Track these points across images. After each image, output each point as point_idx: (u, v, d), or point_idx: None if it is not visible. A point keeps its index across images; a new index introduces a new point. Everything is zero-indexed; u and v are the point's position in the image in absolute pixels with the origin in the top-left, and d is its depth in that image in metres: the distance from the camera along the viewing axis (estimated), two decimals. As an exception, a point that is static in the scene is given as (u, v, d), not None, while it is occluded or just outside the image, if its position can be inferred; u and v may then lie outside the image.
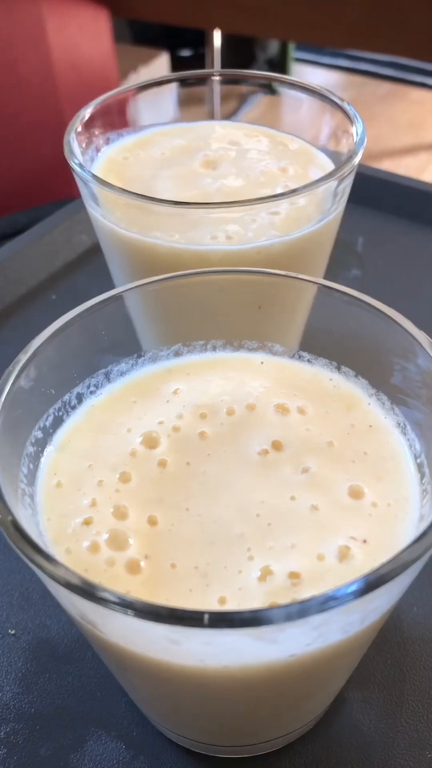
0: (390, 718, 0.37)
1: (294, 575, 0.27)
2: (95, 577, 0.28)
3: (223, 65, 2.86)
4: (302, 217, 0.42)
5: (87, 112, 0.47)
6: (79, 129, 0.46)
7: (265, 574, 0.27)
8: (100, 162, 0.48)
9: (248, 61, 3.19)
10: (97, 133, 0.48)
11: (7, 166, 1.60)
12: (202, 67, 2.85)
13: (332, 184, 0.41)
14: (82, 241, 0.67)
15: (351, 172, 0.43)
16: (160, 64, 2.66)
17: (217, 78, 0.52)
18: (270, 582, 0.27)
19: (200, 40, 3.04)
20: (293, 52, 3.05)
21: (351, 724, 0.37)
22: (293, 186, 0.46)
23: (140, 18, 2.48)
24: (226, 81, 0.54)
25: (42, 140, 1.85)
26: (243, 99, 3.02)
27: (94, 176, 0.41)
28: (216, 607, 0.27)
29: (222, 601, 0.27)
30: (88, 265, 0.66)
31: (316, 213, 0.43)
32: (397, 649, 0.40)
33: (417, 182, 0.69)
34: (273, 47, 3.12)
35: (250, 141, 0.50)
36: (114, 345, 0.35)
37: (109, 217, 0.43)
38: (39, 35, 1.87)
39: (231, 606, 0.27)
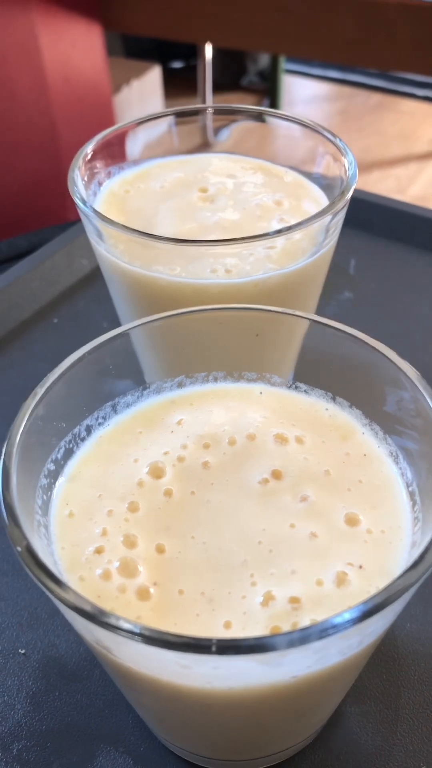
0: (386, 732, 0.39)
1: (294, 600, 0.29)
2: (107, 603, 0.29)
3: (215, 77, 2.89)
4: (297, 251, 0.44)
5: (89, 148, 0.49)
6: (82, 165, 0.47)
7: (268, 599, 0.29)
8: (102, 195, 0.50)
9: (240, 73, 3.23)
10: (98, 167, 0.50)
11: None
12: (194, 79, 2.88)
13: (326, 219, 0.43)
14: (82, 265, 0.69)
15: (344, 206, 0.45)
16: (153, 77, 2.69)
17: (211, 112, 0.54)
18: (272, 607, 0.29)
19: (192, 52, 3.08)
20: (284, 64, 3.08)
21: (348, 737, 0.39)
22: (288, 218, 0.48)
23: (132, 32, 2.51)
24: (219, 112, 0.56)
25: (35, 154, 1.87)
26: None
27: (97, 213, 0.43)
28: (222, 631, 0.28)
29: (227, 625, 0.29)
30: (89, 289, 0.68)
31: (310, 246, 0.45)
32: (392, 664, 0.42)
33: (407, 205, 0.71)
34: (264, 59, 3.15)
35: (246, 174, 0.52)
36: (120, 378, 0.37)
37: (112, 251, 0.45)
38: (33, 50, 1.89)
39: (236, 630, 0.28)
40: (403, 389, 0.33)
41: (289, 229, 0.42)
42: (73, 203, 0.44)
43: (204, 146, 0.58)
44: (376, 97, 3.20)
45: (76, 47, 2.11)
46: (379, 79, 3.24)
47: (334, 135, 0.48)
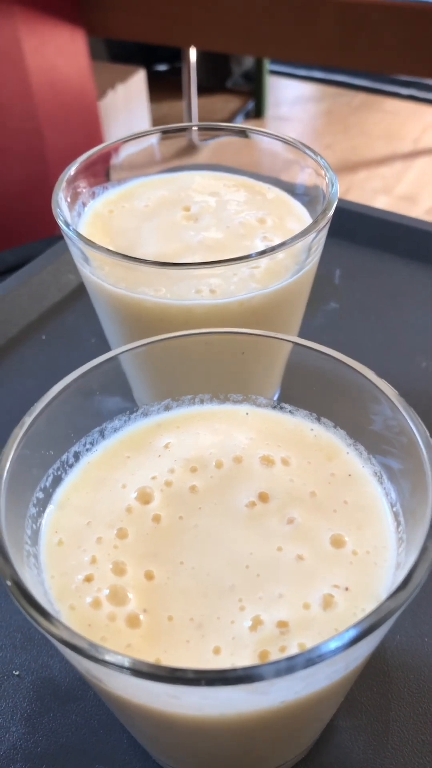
0: (377, 744, 0.40)
1: (282, 624, 0.29)
2: (98, 632, 0.30)
3: (200, 79, 2.90)
4: (281, 270, 0.45)
5: (72, 170, 0.49)
6: (65, 186, 0.48)
7: (256, 623, 0.30)
8: (86, 216, 0.50)
9: (225, 75, 3.23)
10: (82, 187, 0.51)
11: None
12: (179, 81, 2.88)
13: (308, 237, 0.44)
14: (69, 280, 0.69)
15: (326, 224, 0.45)
16: (138, 81, 2.69)
17: (195, 129, 0.55)
18: (260, 631, 0.29)
19: (176, 56, 3.08)
20: (268, 65, 3.09)
21: (341, 751, 0.40)
22: (271, 236, 0.48)
23: (116, 37, 2.51)
24: (204, 129, 0.56)
25: (22, 161, 1.87)
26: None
27: (81, 236, 0.43)
28: (211, 656, 0.29)
29: (217, 650, 0.29)
30: (76, 304, 0.68)
31: (294, 264, 0.45)
32: (382, 677, 0.42)
33: (391, 214, 0.72)
34: (249, 61, 3.16)
35: (229, 191, 0.52)
36: (107, 403, 0.37)
37: (97, 274, 0.45)
38: (17, 57, 1.89)
39: (225, 655, 0.29)
40: (384, 409, 0.34)
41: (272, 250, 0.42)
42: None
43: (190, 149, 0.58)
44: (360, 97, 3.21)
45: (60, 53, 2.11)
46: (363, 78, 3.25)
47: (315, 153, 0.49)
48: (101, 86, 2.50)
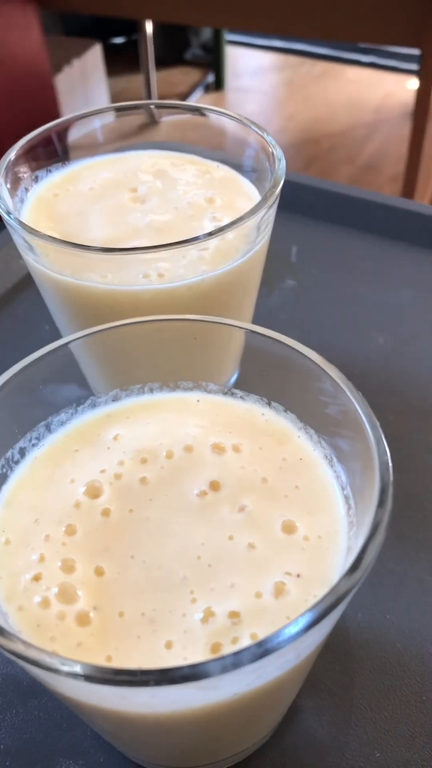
0: (341, 723, 0.40)
1: (234, 614, 0.29)
2: (47, 632, 0.29)
3: (158, 52, 2.84)
4: (230, 250, 0.44)
5: (12, 154, 0.47)
6: (5, 172, 0.46)
7: (208, 615, 0.29)
8: (30, 202, 0.49)
9: (183, 47, 3.18)
10: (23, 172, 0.49)
11: None
12: (136, 54, 2.82)
13: (257, 216, 0.43)
14: (20, 266, 0.67)
15: (274, 202, 0.44)
16: (94, 55, 2.63)
17: (153, 107, 0.53)
18: (212, 623, 0.29)
19: (133, 28, 3.01)
20: (226, 35, 3.04)
21: (305, 731, 0.40)
22: (221, 216, 0.47)
23: (69, 10, 2.45)
24: (161, 107, 0.55)
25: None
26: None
27: (23, 224, 0.42)
28: (163, 651, 0.28)
29: (169, 645, 0.29)
30: (29, 291, 0.67)
31: (244, 244, 0.44)
32: (345, 656, 0.42)
33: (347, 188, 0.71)
34: (207, 32, 3.11)
35: (177, 171, 0.51)
36: (53, 396, 0.37)
37: (42, 261, 0.44)
38: (-35, 36, 1.83)
39: (177, 649, 0.28)
40: (331, 391, 0.33)
41: (221, 230, 0.41)
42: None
43: (139, 127, 0.56)
44: (321, 66, 3.18)
45: (10, 28, 2.05)
46: (323, 47, 3.22)
47: (262, 129, 0.48)
48: (57, 61, 2.44)
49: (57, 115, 2.23)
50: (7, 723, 0.40)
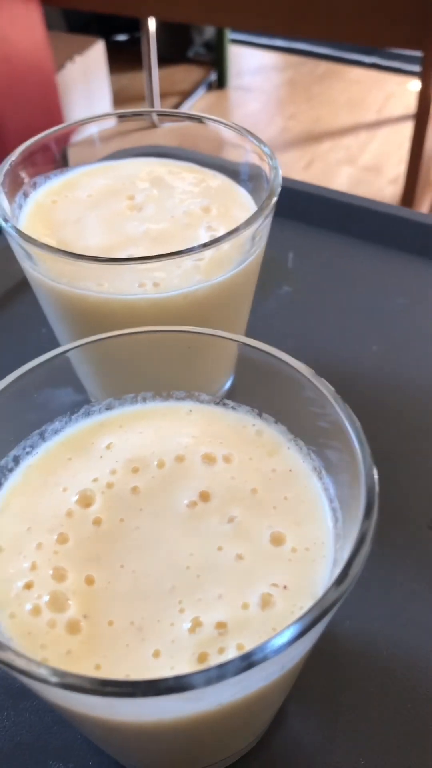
0: (327, 730, 0.41)
1: (221, 625, 0.30)
2: (38, 640, 0.30)
3: (160, 50, 2.84)
4: (225, 260, 0.44)
5: (11, 161, 0.48)
6: (4, 178, 0.47)
7: (195, 625, 0.30)
8: (28, 208, 0.49)
9: (185, 45, 3.17)
10: (23, 178, 0.49)
11: None
12: (139, 52, 2.82)
13: (252, 228, 0.43)
14: (18, 269, 0.68)
15: (269, 213, 0.45)
16: (96, 52, 2.63)
17: (155, 115, 0.54)
18: (199, 633, 0.29)
19: (135, 25, 3.01)
20: (229, 34, 3.04)
21: (291, 737, 0.40)
22: (216, 226, 0.48)
23: (72, 7, 2.45)
24: (161, 115, 0.55)
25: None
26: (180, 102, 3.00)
27: (20, 232, 0.42)
28: (150, 660, 0.29)
29: (156, 654, 0.29)
30: (26, 294, 0.67)
31: (238, 254, 0.45)
32: (332, 662, 0.43)
33: (342, 194, 0.72)
34: (210, 30, 3.10)
35: (174, 179, 0.51)
36: (47, 404, 0.37)
37: (38, 269, 0.44)
38: (-32, 32, 1.83)
39: (164, 659, 0.29)
40: (321, 405, 0.34)
41: (216, 242, 0.42)
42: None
43: (136, 133, 0.56)
44: (323, 66, 3.18)
45: (13, 24, 2.05)
46: (326, 47, 3.22)
47: (258, 139, 0.48)
48: (59, 58, 2.44)
49: (59, 112, 2.24)
50: (-1, 725, 0.41)
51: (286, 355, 0.34)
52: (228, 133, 0.51)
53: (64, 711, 0.30)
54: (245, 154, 0.50)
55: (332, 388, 0.33)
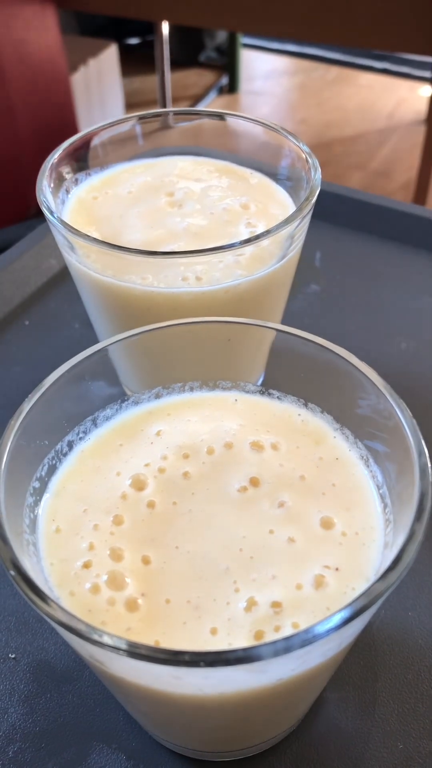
0: (365, 715, 0.41)
1: (276, 604, 0.31)
2: (98, 617, 0.31)
3: (173, 53, 2.86)
4: (265, 256, 0.45)
5: (56, 155, 0.49)
6: (49, 174, 0.48)
7: (251, 604, 0.31)
8: (70, 203, 0.50)
9: (197, 49, 3.19)
10: (65, 174, 0.51)
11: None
12: (152, 55, 2.84)
13: (293, 224, 0.44)
14: (51, 265, 0.69)
15: (309, 211, 0.46)
16: (110, 55, 2.65)
17: (172, 115, 0.55)
18: (255, 612, 0.30)
19: (148, 29, 3.03)
20: (242, 39, 3.06)
21: (330, 722, 0.41)
22: (255, 222, 0.49)
23: (86, 10, 2.47)
24: (180, 114, 0.56)
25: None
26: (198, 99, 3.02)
27: (66, 225, 0.43)
28: (208, 637, 0.30)
29: (213, 631, 0.30)
30: (59, 288, 0.68)
31: (278, 250, 0.46)
32: (369, 650, 0.44)
33: (368, 195, 0.73)
34: (222, 34, 3.12)
35: (212, 176, 0.53)
36: (99, 392, 0.38)
37: (84, 262, 0.45)
38: (-15, 35, 1.85)
39: (221, 636, 0.30)
40: (371, 395, 0.35)
41: (257, 238, 0.43)
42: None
43: (165, 130, 0.57)
44: (334, 71, 3.19)
45: (29, 27, 2.07)
46: (337, 52, 3.23)
47: (298, 139, 0.49)
48: (72, 61, 2.46)
49: (73, 114, 2.25)
50: (42, 707, 0.42)
51: (335, 345, 0.35)
52: (266, 133, 0.52)
53: (121, 685, 0.31)
54: (283, 152, 0.51)
55: (382, 379, 0.34)
